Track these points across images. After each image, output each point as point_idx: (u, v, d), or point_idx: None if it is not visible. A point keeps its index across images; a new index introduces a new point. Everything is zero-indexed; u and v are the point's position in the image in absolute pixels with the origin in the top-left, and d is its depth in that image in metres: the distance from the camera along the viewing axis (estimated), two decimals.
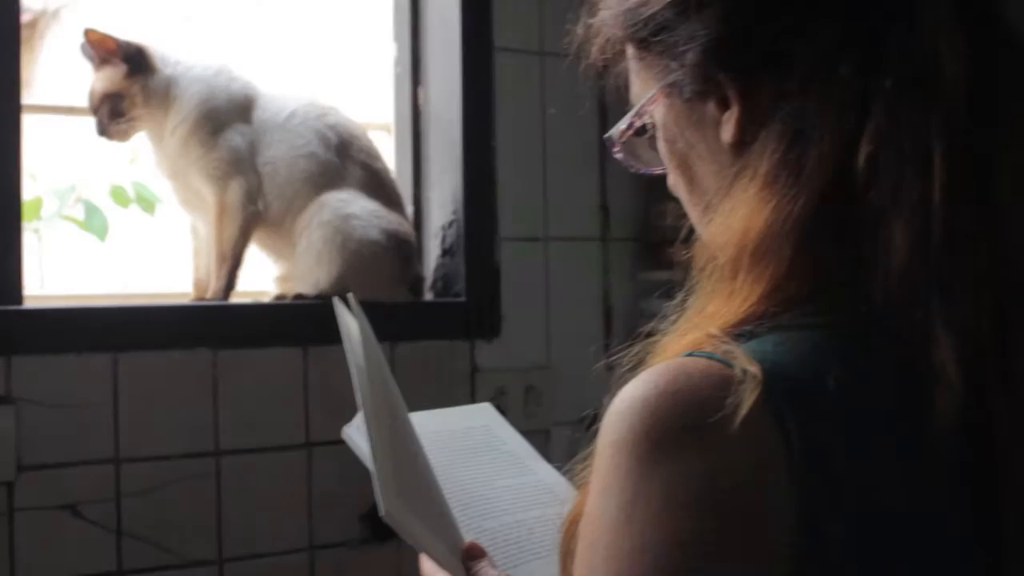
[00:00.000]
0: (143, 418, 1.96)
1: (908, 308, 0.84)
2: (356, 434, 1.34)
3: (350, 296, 1.21)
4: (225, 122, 2.11)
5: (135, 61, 2.06)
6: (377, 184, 2.22)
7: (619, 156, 1.06)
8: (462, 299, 2.33)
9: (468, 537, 1.22)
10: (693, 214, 1.01)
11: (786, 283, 0.87)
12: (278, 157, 2.15)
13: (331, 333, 2.11)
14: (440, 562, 1.13)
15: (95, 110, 2.05)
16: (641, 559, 0.78)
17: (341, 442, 2.13)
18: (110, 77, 2.04)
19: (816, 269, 0.87)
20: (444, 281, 2.38)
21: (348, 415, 2.15)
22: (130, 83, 2.05)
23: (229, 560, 2.03)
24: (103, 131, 2.06)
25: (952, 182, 0.84)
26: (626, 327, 2.50)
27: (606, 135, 1.05)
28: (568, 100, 2.41)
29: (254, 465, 2.07)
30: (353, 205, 2.15)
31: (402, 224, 2.23)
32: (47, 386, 1.89)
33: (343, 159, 2.19)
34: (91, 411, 1.92)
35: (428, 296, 2.38)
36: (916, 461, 0.84)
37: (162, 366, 1.98)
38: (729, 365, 0.82)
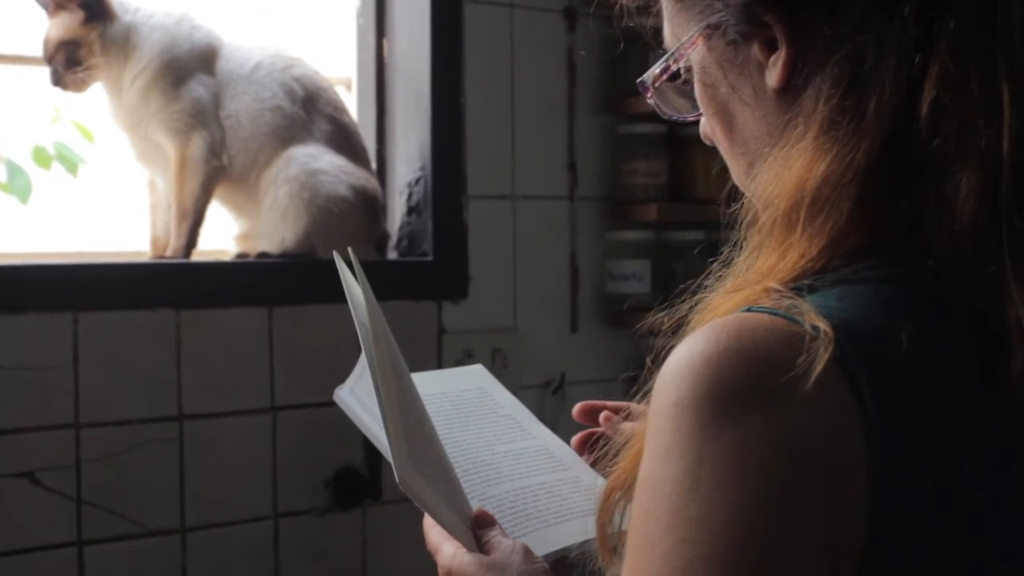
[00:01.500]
0: (104, 381, 1.90)
1: (977, 262, 0.80)
2: (350, 396, 1.27)
3: (350, 252, 1.14)
4: (187, 72, 2.04)
5: (93, 7, 1.97)
6: (344, 138, 2.15)
7: (651, 102, 1.01)
8: (429, 258, 2.27)
9: (472, 504, 1.17)
10: (734, 165, 0.96)
11: (845, 236, 0.83)
12: (242, 110, 2.08)
13: (297, 292, 2.08)
14: (450, 530, 1.08)
15: (50, 59, 1.97)
16: (708, 527, 0.74)
17: (306, 406, 2.09)
18: (66, 24, 1.96)
19: (877, 221, 0.83)
20: (409, 240, 2.31)
21: (313, 377, 2.09)
22: (87, 30, 1.97)
23: (192, 529, 1.98)
24: (58, 81, 1.97)
25: (1022, 127, 0.80)
26: (593, 287, 2.46)
27: (639, 79, 0.99)
28: (537, 54, 2.36)
29: (217, 430, 2.01)
30: (320, 160, 2.08)
31: (369, 180, 2.16)
32: (3, 347, 1.82)
33: (309, 112, 2.12)
34: (50, 373, 1.85)
35: (392, 255, 2.31)
36: (991, 420, 0.80)
37: (124, 326, 1.92)
38: (795, 321, 0.77)
